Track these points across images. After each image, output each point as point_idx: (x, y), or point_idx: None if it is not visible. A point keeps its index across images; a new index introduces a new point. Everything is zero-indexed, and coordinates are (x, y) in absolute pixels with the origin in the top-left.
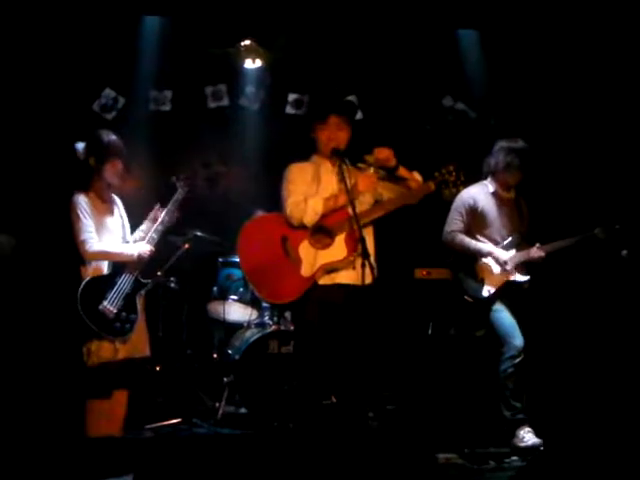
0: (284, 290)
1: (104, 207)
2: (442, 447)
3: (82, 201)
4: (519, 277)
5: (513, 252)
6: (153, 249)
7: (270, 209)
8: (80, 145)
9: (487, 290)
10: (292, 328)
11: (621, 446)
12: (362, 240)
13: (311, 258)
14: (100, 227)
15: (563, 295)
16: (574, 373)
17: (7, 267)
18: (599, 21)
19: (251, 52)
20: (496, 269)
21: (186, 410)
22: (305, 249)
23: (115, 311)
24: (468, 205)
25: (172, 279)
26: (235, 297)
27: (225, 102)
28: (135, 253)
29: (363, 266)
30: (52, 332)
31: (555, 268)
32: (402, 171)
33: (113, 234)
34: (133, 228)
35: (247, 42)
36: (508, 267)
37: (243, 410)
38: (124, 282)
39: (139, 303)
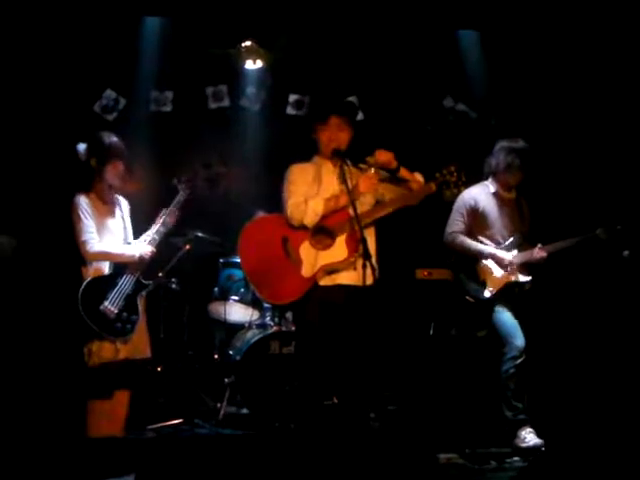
0: (285, 291)
1: (105, 208)
2: (443, 447)
3: (83, 202)
4: (521, 278)
5: (515, 253)
6: (154, 250)
7: (271, 210)
8: (81, 146)
9: (489, 291)
10: (293, 329)
11: (622, 447)
12: (363, 241)
13: (312, 259)
14: (101, 228)
15: (565, 296)
16: (576, 373)
17: (8, 268)
18: (599, 21)
19: (252, 53)
20: (497, 271)
21: (188, 411)
22: (306, 250)
23: (116, 311)
24: (469, 206)
25: (173, 280)
26: (236, 298)
27: (226, 103)
28: (136, 254)
29: (364, 267)
30: (53, 333)
31: (557, 269)
32: (403, 172)
33: (114, 235)
34: (134, 229)
35: (248, 43)
36: (512, 268)
37: (244, 411)
38: (125, 283)
39: (140, 304)
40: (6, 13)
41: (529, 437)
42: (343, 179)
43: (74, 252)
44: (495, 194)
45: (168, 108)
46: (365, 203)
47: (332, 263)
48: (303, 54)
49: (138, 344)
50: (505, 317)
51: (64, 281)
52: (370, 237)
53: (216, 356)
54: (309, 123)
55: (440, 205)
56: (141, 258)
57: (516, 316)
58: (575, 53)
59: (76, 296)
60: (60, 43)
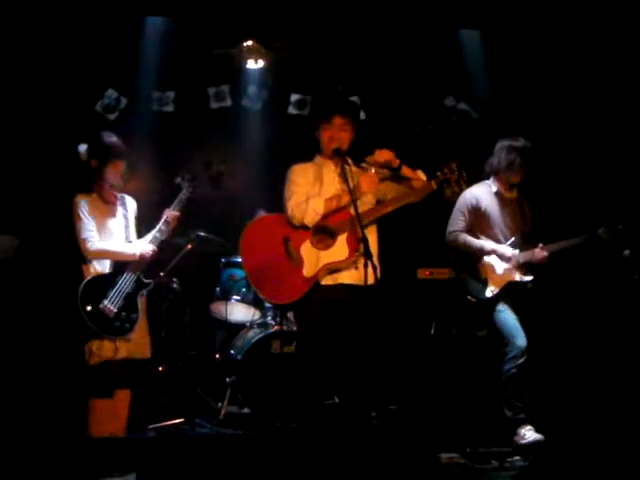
0: (286, 291)
1: (106, 208)
2: (444, 447)
3: (82, 202)
4: (522, 277)
5: (516, 252)
6: (156, 249)
7: (272, 209)
8: (82, 147)
9: (490, 290)
10: (294, 328)
11: (623, 446)
12: (364, 240)
13: (313, 259)
14: (101, 228)
15: (566, 295)
16: (577, 373)
17: (10, 267)
18: (601, 20)
19: (253, 53)
20: (499, 268)
21: (189, 410)
22: (307, 250)
23: (115, 310)
24: (471, 205)
25: (175, 280)
26: (238, 297)
27: (228, 103)
28: (137, 252)
29: (365, 266)
30: (55, 332)
31: (558, 268)
32: (405, 170)
33: (114, 235)
34: (140, 229)
35: (249, 43)
36: (513, 263)
37: (246, 410)
38: (125, 282)
39: (140, 303)
40: (8, 13)
41: (528, 434)
42: (344, 178)
43: (75, 252)
44: (497, 193)
45: (170, 108)
46: (366, 202)
47: (333, 262)
48: (305, 54)
49: (138, 344)
50: (507, 317)
51: (65, 280)
52: (372, 236)
53: (217, 356)
54: (312, 122)
55: (441, 204)
56: (142, 257)
57: (518, 316)
58: (577, 52)
59: (76, 295)
60: (62, 42)
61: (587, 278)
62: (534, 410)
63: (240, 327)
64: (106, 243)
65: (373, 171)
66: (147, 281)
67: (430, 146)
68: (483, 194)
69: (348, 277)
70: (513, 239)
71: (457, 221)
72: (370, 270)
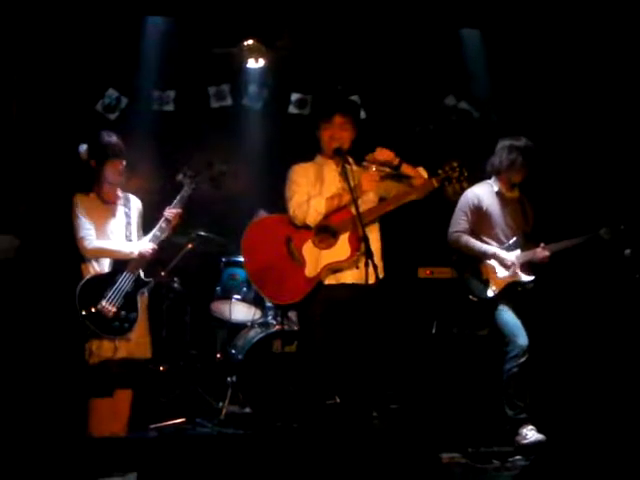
0: (288, 291)
1: (105, 208)
2: (446, 446)
3: (80, 202)
4: (524, 277)
5: (518, 252)
6: (156, 247)
7: (272, 209)
8: (83, 147)
9: (492, 290)
10: (296, 328)
11: (624, 446)
12: (365, 239)
13: (315, 259)
14: (100, 227)
15: (567, 295)
16: (578, 373)
17: (11, 267)
18: (601, 19)
19: (254, 52)
20: (501, 270)
21: (190, 410)
22: (309, 250)
23: (114, 310)
24: (473, 205)
25: (175, 279)
26: (238, 297)
27: (228, 102)
28: (135, 251)
29: (366, 265)
30: (55, 331)
31: (559, 268)
32: (406, 169)
33: (114, 234)
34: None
35: (250, 42)
36: (514, 269)
37: (247, 410)
38: (124, 281)
39: (140, 302)
40: (9, 13)
41: (530, 434)
42: (345, 178)
43: (75, 251)
44: (498, 193)
45: (170, 107)
46: (368, 201)
47: (335, 262)
48: (305, 53)
49: (139, 344)
50: (508, 316)
51: (66, 280)
52: (374, 235)
53: (218, 355)
54: (312, 122)
55: (442, 204)
56: (141, 255)
57: (519, 315)
58: (577, 51)
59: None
60: (62, 42)
61: (588, 278)
62: (535, 410)
63: (241, 327)
64: (103, 241)
65: (374, 169)
66: (147, 280)
67: (431, 145)
68: (485, 194)
69: (350, 276)
70: (514, 239)
71: (459, 221)
72: (371, 269)
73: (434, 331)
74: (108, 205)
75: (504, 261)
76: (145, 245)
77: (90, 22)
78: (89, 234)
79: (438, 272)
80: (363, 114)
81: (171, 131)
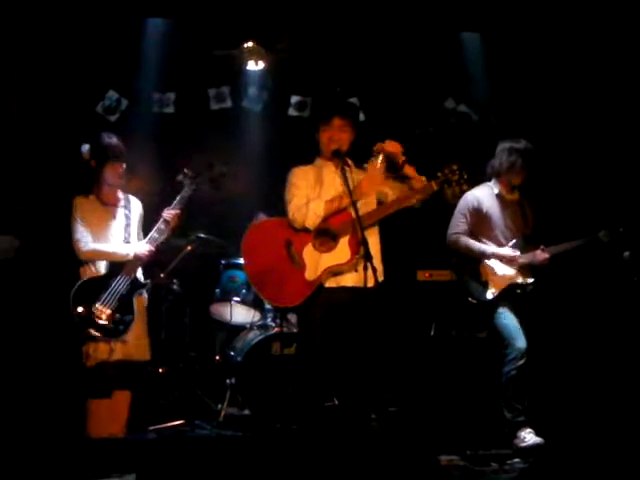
0: (288, 294)
1: (104, 210)
2: (444, 449)
3: (78, 204)
4: (523, 279)
5: (517, 254)
6: (152, 249)
7: (272, 211)
8: (85, 147)
9: (491, 292)
10: (295, 330)
11: (623, 448)
12: (364, 242)
13: (315, 262)
14: (97, 230)
15: (566, 297)
16: (577, 375)
17: (11, 268)
18: (600, 23)
19: (254, 54)
20: (500, 270)
21: (189, 412)
22: (309, 253)
23: (108, 312)
24: (472, 207)
25: (175, 281)
26: (238, 299)
27: (228, 104)
28: (131, 253)
29: (365, 268)
30: (54, 332)
31: (559, 270)
32: (408, 169)
33: (113, 236)
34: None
35: (250, 44)
36: (515, 265)
37: (245, 412)
38: (119, 283)
39: (137, 304)
40: (9, 14)
41: (528, 437)
42: (344, 180)
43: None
44: (498, 195)
45: (170, 109)
46: (367, 204)
47: (335, 265)
48: (305, 55)
49: (136, 346)
50: (507, 319)
51: (65, 281)
52: (373, 237)
53: (217, 357)
54: (311, 124)
55: (442, 207)
56: (137, 257)
57: (518, 318)
58: (577, 54)
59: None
60: (62, 44)
61: (587, 280)
62: (534, 413)
63: (240, 329)
64: (99, 244)
65: (380, 159)
66: (145, 282)
67: (430, 148)
68: (485, 196)
69: (350, 280)
70: (514, 241)
71: (459, 223)
72: (370, 272)
73: (433, 333)
74: (108, 207)
75: (504, 256)
76: (141, 247)
77: (90, 23)
78: (84, 237)
79: (437, 275)
80: (362, 116)
81: (171, 133)
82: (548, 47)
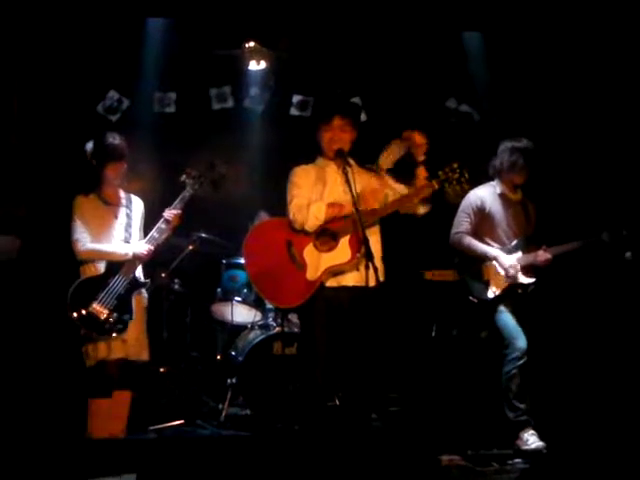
0: (289, 294)
1: (105, 209)
2: (445, 449)
3: (79, 204)
4: (524, 279)
5: (519, 254)
6: (152, 248)
7: (273, 210)
8: (89, 145)
9: (492, 291)
10: (296, 330)
11: (623, 449)
12: (365, 242)
13: (316, 262)
14: (97, 229)
15: (568, 297)
16: (578, 375)
17: (12, 268)
18: (602, 23)
19: (255, 54)
20: (502, 272)
21: (190, 412)
22: (310, 253)
23: (106, 312)
24: (476, 206)
25: (176, 281)
26: (239, 299)
27: (229, 104)
28: (129, 252)
29: (367, 268)
30: (55, 332)
31: (561, 271)
32: (420, 170)
33: (113, 236)
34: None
35: (251, 44)
36: (511, 273)
37: (247, 412)
38: (117, 282)
39: (135, 304)
40: (11, 14)
41: (531, 439)
42: (347, 180)
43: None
44: (501, 195)
45: (172, 109)
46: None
47: (336, 265)
48: (307, 55)
49: (135, 346)
50: (508, 318)
51: (66, 281)
52: (374, 237)
53: (218, 357)
54: (313, 124)
55: (444, 207)
56: (136, 257)
57: (519, 317)
58: (579, 54)
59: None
60: (63, 44)
61: (589, 281)
62: (535, 412)
63: (241, 328)
64: (98, 244)
65: (402, 146)
66: (144, 281)
67: (432, 148)
68: (487, 195)
69: (351, 279)
70: (516, 241)
71: (462, 222)
72: (371, 272)
73: (434, 333)
74: (109, 206)
75: (502, 265)
76: (140, 246)
77: (91, 24)
78: (83, 236)
79: (440, 275)
80: (364, 116)
81: (172, 133)
82: (550, 47)
